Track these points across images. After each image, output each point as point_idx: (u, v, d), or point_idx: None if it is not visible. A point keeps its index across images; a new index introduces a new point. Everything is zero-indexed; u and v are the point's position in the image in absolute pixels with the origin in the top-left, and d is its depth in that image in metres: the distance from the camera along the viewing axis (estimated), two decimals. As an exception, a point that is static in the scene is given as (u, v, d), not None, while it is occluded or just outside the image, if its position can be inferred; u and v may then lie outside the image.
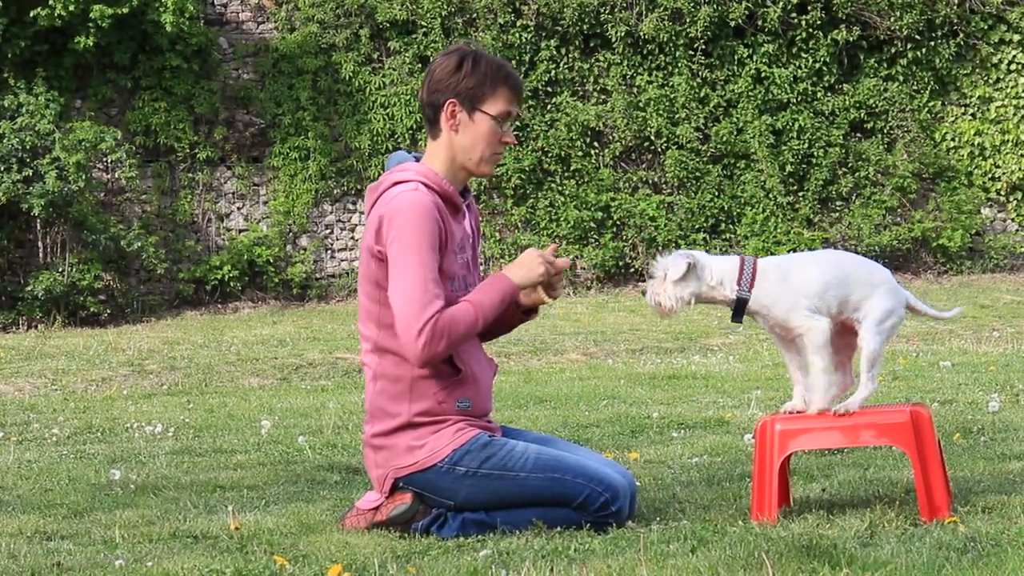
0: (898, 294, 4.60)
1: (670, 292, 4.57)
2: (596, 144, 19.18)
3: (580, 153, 19.00)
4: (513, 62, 18.59)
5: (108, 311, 17.37)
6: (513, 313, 4.82)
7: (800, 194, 19.35)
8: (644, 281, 5.35)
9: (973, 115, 19.96)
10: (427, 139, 4.77)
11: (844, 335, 4.65)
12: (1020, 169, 19.74)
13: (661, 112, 19.08)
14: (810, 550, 3.96)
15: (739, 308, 4.59)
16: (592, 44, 19.31)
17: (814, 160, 19.39)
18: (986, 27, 19.93)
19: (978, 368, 9.75)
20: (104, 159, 17.85)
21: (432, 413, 4.60)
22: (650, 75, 19.24)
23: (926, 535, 4.15)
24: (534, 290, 4.76)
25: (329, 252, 18.85)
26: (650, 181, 19.26)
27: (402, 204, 4.52)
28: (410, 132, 18.70)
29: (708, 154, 19.22)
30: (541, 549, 4.24)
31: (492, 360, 4.83)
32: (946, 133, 19.91)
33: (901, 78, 19.69)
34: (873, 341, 4.52)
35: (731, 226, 19.16)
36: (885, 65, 19.74)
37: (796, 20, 19.35)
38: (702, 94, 19.30)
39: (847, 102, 19.51)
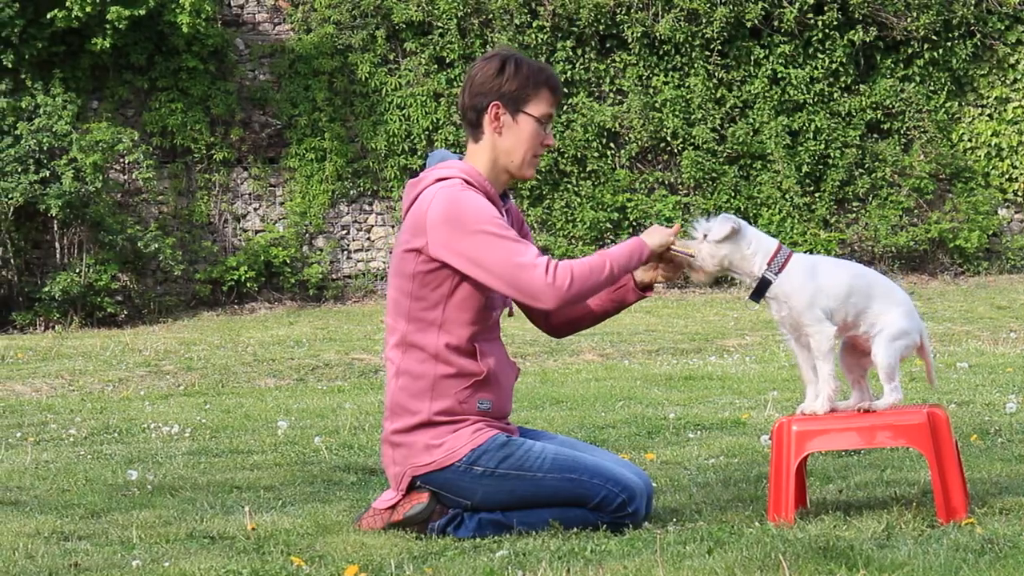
0: (915, 319, 4.62)
1: (707, 251, 4.63)
2: (612, 145, 19.18)
3: (596, 154, 19.00)
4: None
5: (125, 312, 17.42)
6: (629, 290, 4.83)
7: (816, 195, 19.33)
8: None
9: (990, 116, 19.91)
10: (467, 144, 4.75)
11: (854, 354, 4.67)
12: (1037, 170, 19.70)
13: (677, 113, 19.06)
14: (827, 551, 3.96)
15: (761, 288, 4.64)
16: (608, 45, 19.31)
17: (830, 161, 19.36)
18: (1003, 27, 19.89)
19: (995, 369, 9.72)
20: (121, 160, 17.89)
21: (452, 412, 4.60)
22: (666, 76, 19.22)
23: (943, 537, 4.15)
24: (654, 267, 4.78)
25: (345, 253, 18.87)
26: (666, 182, 19.25)
27: (448, 200, 4.51)
28: (426, 133, 18.72)
29: (724, 155, 19.21)
30: (558, 550, 4.24)
31: (515, 363, 4.83)
32: (963, 134, 19.87)
33: (918, 79, 19.66)
34: (885, 355, 4.53)
35: (747, 227, 19.12)
36: (902, 66, 19.70)
37: (812, 21, 19.32)
38: (718, 95, 19.28)
39: (863, 103, 19.48)
